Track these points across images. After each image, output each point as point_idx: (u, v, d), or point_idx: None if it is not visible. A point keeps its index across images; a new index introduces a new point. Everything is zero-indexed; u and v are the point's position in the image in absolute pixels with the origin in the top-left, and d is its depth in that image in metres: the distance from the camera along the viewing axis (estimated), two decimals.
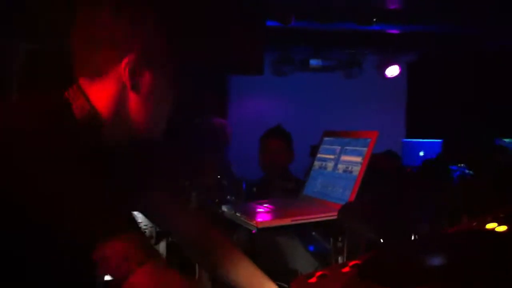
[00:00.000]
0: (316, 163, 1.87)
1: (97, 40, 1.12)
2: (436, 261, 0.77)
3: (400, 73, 6.56)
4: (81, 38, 1.15)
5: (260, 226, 1.55)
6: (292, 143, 3.61)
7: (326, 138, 1.89)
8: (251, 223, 1.57)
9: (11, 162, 1.01)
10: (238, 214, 1.70)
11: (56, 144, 1.03)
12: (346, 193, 1.60)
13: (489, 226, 0.92)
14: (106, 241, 1.01)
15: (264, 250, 2.29)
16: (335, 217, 1.51)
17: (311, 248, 2.24)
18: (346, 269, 0.91)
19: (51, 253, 1.08)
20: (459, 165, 4.10)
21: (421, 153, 5.30)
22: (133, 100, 1.16)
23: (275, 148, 3.54)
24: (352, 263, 0.92)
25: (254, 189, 3.53)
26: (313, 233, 2.05)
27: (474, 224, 0.95)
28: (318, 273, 0.91)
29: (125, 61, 1.12)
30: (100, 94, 1.14)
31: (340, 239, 1.69)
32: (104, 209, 1.03)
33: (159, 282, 1.06)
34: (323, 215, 1.58)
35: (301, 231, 2.13)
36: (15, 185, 1.01)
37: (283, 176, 3.45)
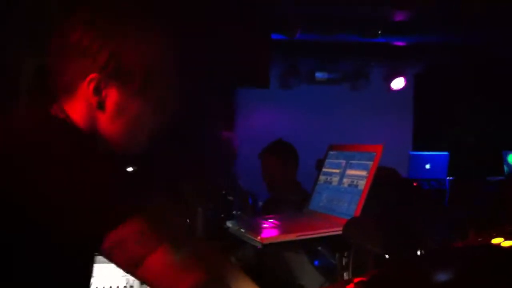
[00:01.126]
0: (322, 177, 1.86)
1: (67, 52, 1.11)
2: (442, 277, 0.76)
3: (407, 85, 6.55)
4: (55, 50, 1.14)
5: (265, 242, 1.54)
6: (291, 156, 3.53)
7: (331, 152, 1.88)
8: (256, 239, 1.56)
9: (20, 164, 1.03)
10: (243, 230, 1.69)
11: (61, 146, 1.05)
12: (352, 208, 1.59)
13: (495, 241, 0.91)
14: (118, 226, 1.01)
15: (270, 265, 2.27)
16: (340, 232, 1.50)
17: (317, 263, 2.22)
18: (351, 286, 0.90)
19: (52, 254, 1.08)
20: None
21: (428, 166, 5.27)
22: (102, 118, 1.14)
23: (272, 165, 3.48)
24: (357, 279, 0.91)
25: (260, 203, 3.52)
26: (319, 248, 2.03)
27: (480, 239, 0.93)
28: None
29: (89, 78, 1.10)
30: (73, 111, 1.13)
31: (346, 254, 1.68)
32: (111, 198, 1.04)
33: (174, 266, 1.06)
34: (328, 230, 1.57)
35: (307, 246, 2.12)
36: (24, 185, 1.02)
37: (291, 190, 3.39)
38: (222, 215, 2.30)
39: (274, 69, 5.89)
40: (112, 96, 1.12)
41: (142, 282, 1.15)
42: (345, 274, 1.61)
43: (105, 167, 1.09)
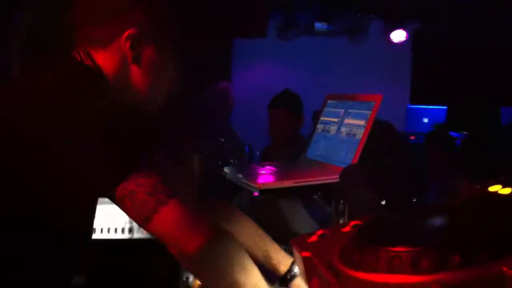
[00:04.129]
0: (319, 126, 1.85)
1: (99, 13, 1.14)
2: (439, 221, 0.77)
3: (406, 40, 6.48)
4: (84, 10, 1.16)
5: (262, 187, 1.55)
6: (300, 107, 3.39)
7: (329, 101, 1.87)
8: (253, 185, 1.57)
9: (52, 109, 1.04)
10: (240, 176, 1.69)
11: (76, 103, 1.05)
12: (349, 156, 1.59)
13: (492, 188, 0.91)
14: (129, 177, 1.02)
15: (266, 213, 2.30)
16: (337, 180, 1.51)
17: (312, 211, 2.24)
18: (346, 229, 0.91)
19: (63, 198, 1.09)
20: (462, 132, 4.09)
21: (425, 120, 5.27)
22: (134, 71, 1.17)
23: (283, 117, 3.40)
24: (353, 223, 0.92)
25: (258, 152, 3.52)
26: (315, 197, 2.05)
27: (477, 187, 0.94)
28: (319, 232, 0.91)
29: (126, 34, 1.13)
30: (102, 62, 1.15)
31: (341, 202, 1.70)
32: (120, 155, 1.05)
33: (184, 221, 1.08)
34: (325, 178, 1.58)
35: (302, 195, 2.14)
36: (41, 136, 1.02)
37: (294, 143, 3.35)
38: (220, 163, 2.31)
39: (272, 21, 5.80)
40: (147, 52, 1.16)
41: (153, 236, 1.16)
42: (340, 221, 1.63)
43: (128, 118, 1.10)
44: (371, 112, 1.61)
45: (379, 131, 1.56)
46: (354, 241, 0.78)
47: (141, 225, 1.10)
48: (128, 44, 1.14)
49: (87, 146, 1.03)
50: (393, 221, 0.85)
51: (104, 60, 1.15)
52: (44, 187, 1.04)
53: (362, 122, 1.63)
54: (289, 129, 3.35)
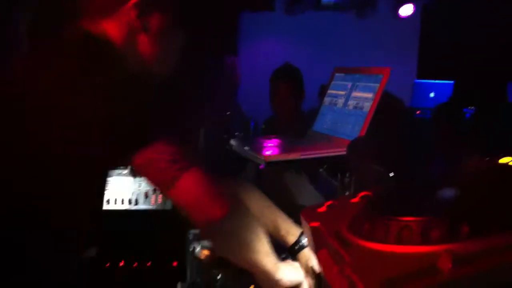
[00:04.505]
0: (326, 100, 1.84)
1: None
2: (448, 192, 0.77)
3: (414, 14, 6.40)
4: None
5: (268, 159, 1.54)
6: (301, 81, 3.49)
7: (337, 74, 1.86)
8: (260, 156, 1.57)
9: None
10: (246, 148, 1.69)
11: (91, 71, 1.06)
12: (356, 130, 1.59)
13: (503, 160, 0.91)
14: (149, 146, 1.02)
15: (271, 187, 2.30)
16: (344, 153, 1.50)
17: (318, 186, 2.25)
18: (355, 200, 0.91)
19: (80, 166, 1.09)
20: (470, 107, 4.06)
21: (432, 95, 5.23)
22: (141, 39, 1.16)
23: (283, 90, 3.45)
24: (362, 194, 0.91)
25: (263, 126, 3.53)
26: (321, 170, 2.05)
27: (487, 159, 0.93)
28: (327, 203, 0.91)
29: (132, 2, 1.12)
30: (110, 31, 1.14)
31: (347, 175, 1.69)
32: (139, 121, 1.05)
33: (206, 188, 1.08)
34: (332, 150, 1.57)
35: (308, 168, 2.14)
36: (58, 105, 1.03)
37: (294, 118, 3.40)
38: (225, 137, 2.30)
39: None
40: (154, 21, 1.15)
41: (176, 204, 1.16)
42: (346, 194, 1.63)
43: (140, 86, 1.09)
44: (379, 85, 1.60)
45: (387, 104, 1.55)
46: (363, 212, 0.78)
47: (163, 192, 1.11)
48: (134, 13, 1.12)
49: (102, 113, 1.03)
50: (402, 191, 0.84)
51: (111, 29, 1.14)
52: (62, 153, 1.05)
53: (370, 95, 1.61)
54: (289, 102, 3.40)
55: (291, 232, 1.53)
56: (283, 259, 1.39)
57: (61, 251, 1.15)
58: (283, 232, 1.53)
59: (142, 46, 1.16)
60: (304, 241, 1.52)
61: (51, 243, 1.12)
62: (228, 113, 3.01)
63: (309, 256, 1.46)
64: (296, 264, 1.38)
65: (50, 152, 1.05)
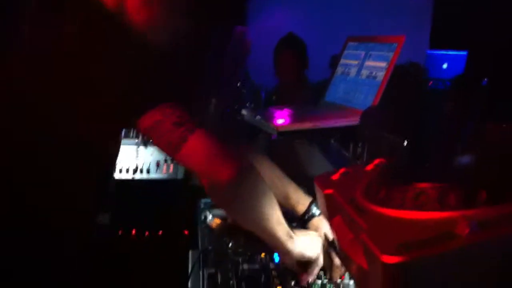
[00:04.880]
0: (339, 69, 1.82)
1: None
2: (465, 159, 0.76)
3: None
4: None
5: (280, 129, 1.53)
6: (304, 49, 3.58)
7: (350, 43, 1.84)
8: (272, 126, 1.56)
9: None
10: (258, 118, 1.68)
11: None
12: (369, 99, 1.57)
13: None
14: (156, 107, 1.01)
15: (283, 158, 2.30)
16: (357, 123, 1.49)
17: (330, 157, 2.24)
18: (370, 167, 0.90)
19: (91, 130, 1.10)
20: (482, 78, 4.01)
21: (445, 66, 5.16)
22: (130, 4, 1.10)
23: (287, 59, 3.53)
24: (376, 161, 0.91)
25: (274, 97, 3.54)
26: (332, 141, 2.04)
27: (504, 126, 0.92)
28: (341, 170, 0.91)
29: None
30: None
31: (360, 145, 1.69)
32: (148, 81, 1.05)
33: (214, 150, 1.07)
34: (344, 120, 1.56)
35: (320, 138, 2.12)
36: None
37: (300, 85, 3.46)
38: (236, 107, 2.30)
39: None
40: None
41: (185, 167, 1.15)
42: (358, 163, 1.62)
43: (145, 49, 1.07)
44: (393, 53, 1.58)
45: (409, 74, 1.53)
46: (379, 178, 0.78)
47: (171, 155, 1.09)
48: None
49: (110, 73, 1.03)
50: (419, 158, 0.84)
51: None
52: (75, 112, 1.06)
53: (383, 64, 1.59)
54: (292, 69, 3.48)
55: (301, 202, 1.53)
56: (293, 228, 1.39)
57: (72, 224, 1.16)
58: (293, 201, 1.53)
59: (130, 9, 1.10)
60: (314, 210, 1.52)
61: (64, 209, 1.13)
62: (238, 83, 2.99)
63: (319, 225, 1.46)
64: (313, 235, 1.37)
65: (59, 114, 1.05)
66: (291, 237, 1.26)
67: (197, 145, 1.05)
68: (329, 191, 0.85)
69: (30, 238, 1.11)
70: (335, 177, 0.89)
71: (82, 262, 1.24)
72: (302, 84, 3.49)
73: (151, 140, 1.12)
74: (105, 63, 1.04)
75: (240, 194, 1.14)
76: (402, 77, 1.51)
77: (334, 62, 1.94)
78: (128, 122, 1.11)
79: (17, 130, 1.07)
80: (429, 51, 5.60)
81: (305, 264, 1.33)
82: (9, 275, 1.10)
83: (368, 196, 0.76)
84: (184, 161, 1.10)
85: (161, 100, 1.04)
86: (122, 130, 1.30)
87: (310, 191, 1.57)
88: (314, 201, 1.53)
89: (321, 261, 1.35)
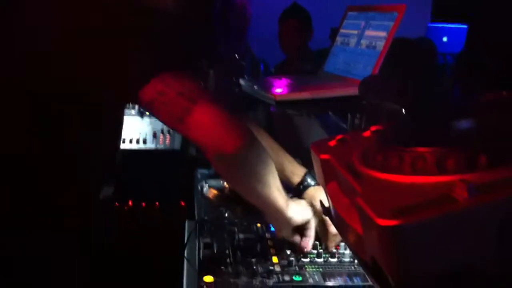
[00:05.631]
0: (338, 39, 1.80)
1: None
2: (464, 123, 0.74)
3: None
4: None
5: (278, 99, 1.52)
6: (310, 21, 3.56)
7: (350, 13, 1.81)
8: (270, 96, 1.54)
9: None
10: (256, 88, 1.67)
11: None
12: (368, 69, 1.55)
13: None
14: (158, 75, 1.00)
15: (280, 129, 2.28)
16: (356, 93, 1.47)
17: (327, 128, 2.22)
18: (367, 134, 0.88)
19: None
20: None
21: (445, 39, 5.11)
22: None
23: (291, 28, 3.51)
24: (373, 128, 0.89)
25: (273, 69, 3.51)
26: (330, 113, 2.02)
27: (504, 92, 0.90)
28: (338, 137, 0.89)
29: None
30: None
31: (358, 116, 1.67)
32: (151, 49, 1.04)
33: (219, 120, 1.05)
34: (343, 90, 1.55)
35: (318, 109, 2.11)
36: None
37: (303, 56, 3.43)
38: (234, 79, 2.27)
39: None
40: None
41: (188, 139, 1.13)
42: None
43: (145, 17, 1.06)
44: (393, 23, 1.55)
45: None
46: (376, 143, 0.76)
47: (174, 127, 1.07)
48: None
49: (112, 41, 1.01)
50: (416, 123, 0.82)
51: None
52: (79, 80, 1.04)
53: (383, 34, 1.57)
54: (297, 39, 3.47)
55: (296, 172, 1.53)
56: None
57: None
58: (288, 173, 1.52)
59: None
60: (309, 180, 1.52)
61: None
62: (237, 56, 2.96)
63: (314, 195, 1.46)
64: (303, 202, 1.38)
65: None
66: (288, 205, 1.26)
67: (201, 116, 1.02)
68: (326, 156, 0.84)
69: (31, 227, 1.11)
70: (332, 143, 0.88)
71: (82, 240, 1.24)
72: (306, 53, 3.47)
73: (154, 113, 1.10)
74: (106, 30, 1.02)
75: (246, 163, 1.14)
76: (413, 53, 1.48)
77: (333, 33, 1.91)
78: (130, 94, 1.08)
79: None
80: (430, 24, 5.54)
81: (302, 228, 1.33)
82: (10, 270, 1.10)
83: (365, 160, 0.74)
84: (187, 132, 1.07)
85: (164, 69, 1.02)
86: (124, 105, 1.29)
87: (306, 163, 1.57)
88: (309, 172, 1.53)
89: (314, 223, 1.36)
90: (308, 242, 1.35)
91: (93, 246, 1.27)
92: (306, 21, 3.54)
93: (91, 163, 1.16)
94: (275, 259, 1.32)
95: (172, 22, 1.10)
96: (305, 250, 1.34)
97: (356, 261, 1.31)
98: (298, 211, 1.31)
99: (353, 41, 1.71)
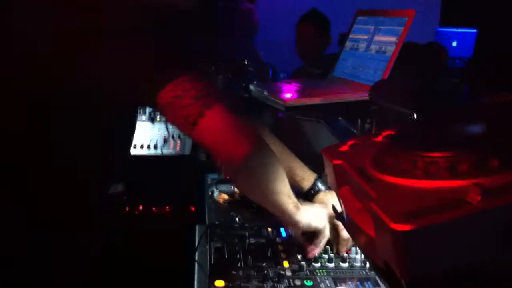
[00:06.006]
0: (348, 44, 1.80)
1: None
2: (476, 126, 0.74)
3: None
4: None
5: (288, 104, 1.52)
6: (328, 26, 3.50)
7: (359, 18, 1.81)
8: (279, 101, 1.55)
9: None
10: (265, 93, 1.67)
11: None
12: (378, 74, 1.55)
13: None
14: (173, 81, 1.01)
15: (289, 134, 2.28)
16: (365, 98, 1.47)
17: (337, 133, 2.22)
18: (378, 138, 0.89)
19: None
20: None
21: (454, 43, 5.11)
22: None
23: (309, 34, 3.46)
24: (385, 133, 0.89)
25: (282, 75, 3.51)
26: (339, 118, 2.02)
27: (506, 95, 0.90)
28: (350, 142, 0.89)
29: None
30: None
31: (368, 120, 1.67)
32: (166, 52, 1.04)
33: (232, 125, 1.06)
34: (353, 95, 1.55)
35: (327, 114, 2.11)
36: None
37: (318, 63, 3.40)
38: (243, 85, 2.28)
39: None
40: None
41: (200, 145, 1.14)
42: None
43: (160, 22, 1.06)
44: (403, 28, 1.56)
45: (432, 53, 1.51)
46: (388, 147, 0.76)
47: (188, 132, 1.08)
48: None
49: (128, 45, 1.02)
50: (428, 126, 0.82)
51: None
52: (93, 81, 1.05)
53: (393, 39, 1.57)
54: (313, 44, 3.41)
55: (306, 178, 1.53)
56: None
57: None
58: (298, 178, 1.53)
59: None
60: (320, 185, 1.52)
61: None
62: (245, 62, 2.97)
63: (325, 199, 1.46)
64: (318, 209, 1.37)
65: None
66: (298, 208, 1.26)
67: (215, 120, 1.03)
68: (338, 161, 0.84)
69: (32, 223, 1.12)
70: (344, 148, 0.88)
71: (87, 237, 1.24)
72: (324, 61, 3.42)
73: (166, 118, 1.10)
74: (122, 34, 1.03)
75: (256, 168, 1.14)
76: (423, 57, 1.49)
77: (342, 39, 1.92)
78: (146, 98, 1.09)
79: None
80: (438, 29, 5.53)
81: (312, 235, 1.33)
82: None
83: (377, 165, 0.74)
84: (200, 137, 1.07)
85: (181, 73, 1.03)
86: (137, 109, 1.29)
87: (315, 169, 1.57)
88: (319, 177, 1.53)
89: (327, 233, 1.35)
90: (314, 250, 1.35)
91: (94, 248, 1.28)
92: (324, 27, 3.47)
93: (92, 164, 1.16)
94: (286, 264, 1.32)
95: (186, 23, 1.11)
96: (308, 256, 1.34)
97: (367, 266, 1.31)
98: (307, 216, 1.30)
99: (362, 46, 1.72)
